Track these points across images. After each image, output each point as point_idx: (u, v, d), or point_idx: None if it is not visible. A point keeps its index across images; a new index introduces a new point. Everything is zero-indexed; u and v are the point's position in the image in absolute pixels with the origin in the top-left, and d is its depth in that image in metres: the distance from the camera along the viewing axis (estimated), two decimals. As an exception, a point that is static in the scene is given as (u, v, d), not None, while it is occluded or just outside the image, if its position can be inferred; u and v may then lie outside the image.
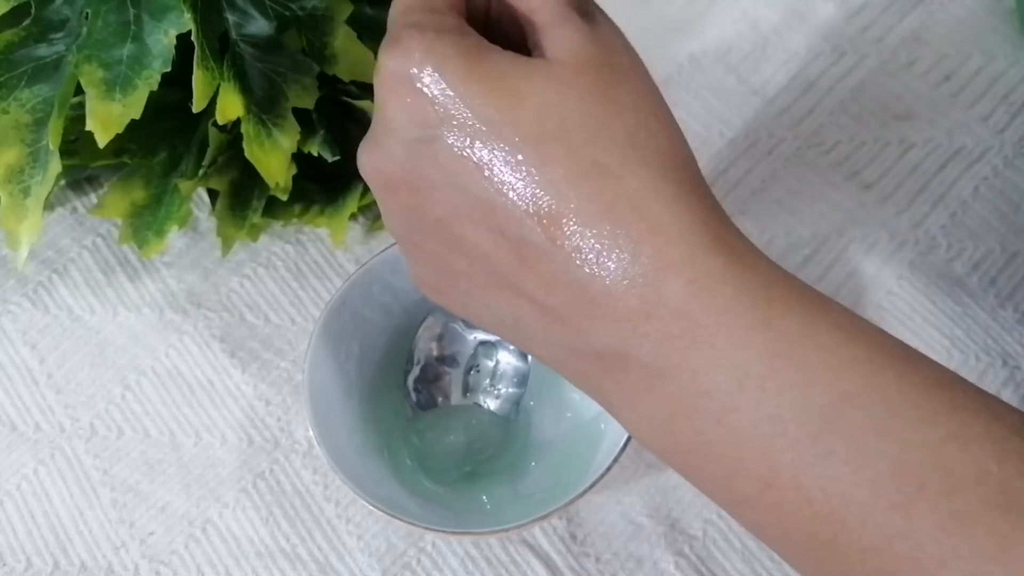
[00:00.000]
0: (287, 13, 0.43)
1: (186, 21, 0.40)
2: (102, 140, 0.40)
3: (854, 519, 0.24)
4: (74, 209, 0.51)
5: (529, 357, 0.42)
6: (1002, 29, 0.52)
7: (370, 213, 0.50)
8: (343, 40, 0.43)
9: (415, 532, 0.42)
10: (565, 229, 0.27)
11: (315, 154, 0.45)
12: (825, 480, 0.24)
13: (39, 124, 0.42)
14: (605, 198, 0.26)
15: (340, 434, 0.39)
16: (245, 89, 0.42)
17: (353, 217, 0.48)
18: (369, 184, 0.30)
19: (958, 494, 0.23)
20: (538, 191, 0.27)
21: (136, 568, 0.43)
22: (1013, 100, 0.50)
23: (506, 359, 0.43)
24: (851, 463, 0.24)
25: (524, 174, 0.27)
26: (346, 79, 0.44)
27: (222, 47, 0.42)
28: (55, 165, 0.42)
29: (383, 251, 0.42)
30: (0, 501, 0.45)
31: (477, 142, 0.27)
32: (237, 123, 0.43)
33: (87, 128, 0.40)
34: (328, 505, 0.43)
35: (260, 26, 0.42)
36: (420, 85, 0.27)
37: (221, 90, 0.41)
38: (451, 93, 0.27)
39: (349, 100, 0.46)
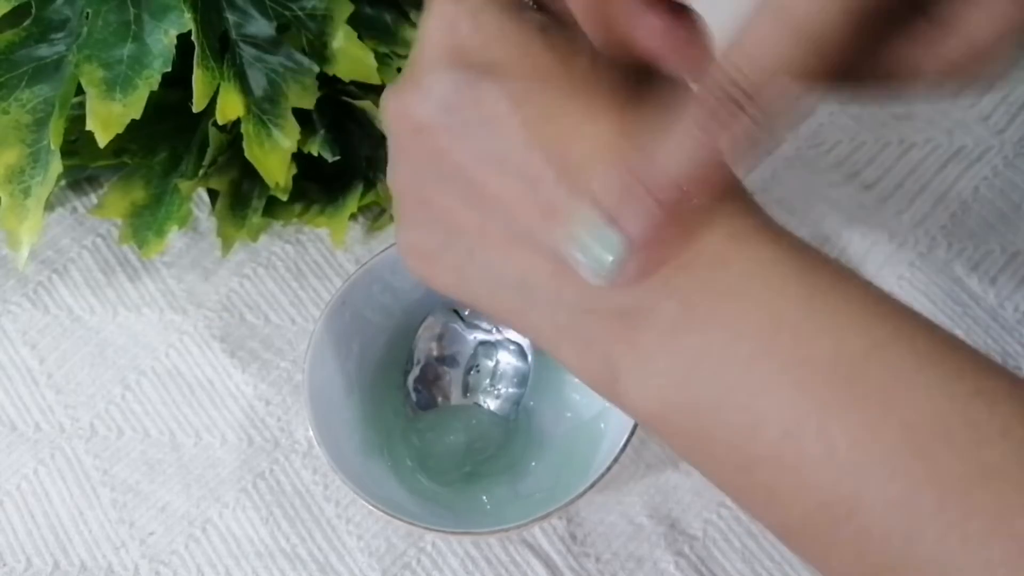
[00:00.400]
0: (287, 13, 0.43)
1: (186, 21, 0.40)
2: (102, 140, 0.40)
3: (880, 467, 0.24)
4: (74, 209, 0.51)
5: (529, 357, 0.42)
6: (1002, 29, 0.52)
7: (370, 213, 0.50)
8: (343, 40, 0.43)
9: (415, 532, 0.42)
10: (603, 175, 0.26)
11: (315, 154, 0.45)
12: (855, 427, 0.24)
13: (40, 124, 0.42)
14: (608, 156, 0.26)
15: (340, 434, 0.39)
16: (245, 89, 0.42)
17: (353, 217, 0.48)
18: (391, 129, 0.29)
19: (985, 446, 0.23)
20: (583, 144, 0.26)
21: (136, 568, 0.43)
22: (1013, 100, 0.50)
23: (506, 359, 0.43)
24: (881, 410, 0.24)
25: (571, 126, 0.26)
26: (346, 79, 0.44)
27: (222, 47, 0.42)
28: (56, 165, 0.42)
29: (383, 251, 0.42)
30: (0, 501, 0.45)
31: (527, 87, 0.27)
32: (237, 123, 0.43)
33: (87, 128, 0.40)
34: (328, 505, 0.43)
35: (260, 26, 0.42)
36: (475, 23, 0.27)
37: (221, 90, 0.41)
38: (506, 33, 0.27)
39: (349, 100, 0.46)
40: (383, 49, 0.46)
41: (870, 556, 0.25)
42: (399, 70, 0.46)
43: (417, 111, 0.28)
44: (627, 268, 0.26)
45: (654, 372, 0.27)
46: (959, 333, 0.45)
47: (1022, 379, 0.25)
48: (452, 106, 0.28)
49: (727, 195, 0.26)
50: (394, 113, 0.29)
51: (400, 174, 0.30)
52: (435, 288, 0.31)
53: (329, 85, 0.45)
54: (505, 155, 0.27)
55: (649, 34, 0.27)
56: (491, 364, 0.43)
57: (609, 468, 0.36)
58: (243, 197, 0.47)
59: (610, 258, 0.26)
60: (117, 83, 0.40)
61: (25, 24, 0.41)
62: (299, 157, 0.45)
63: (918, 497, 0.23)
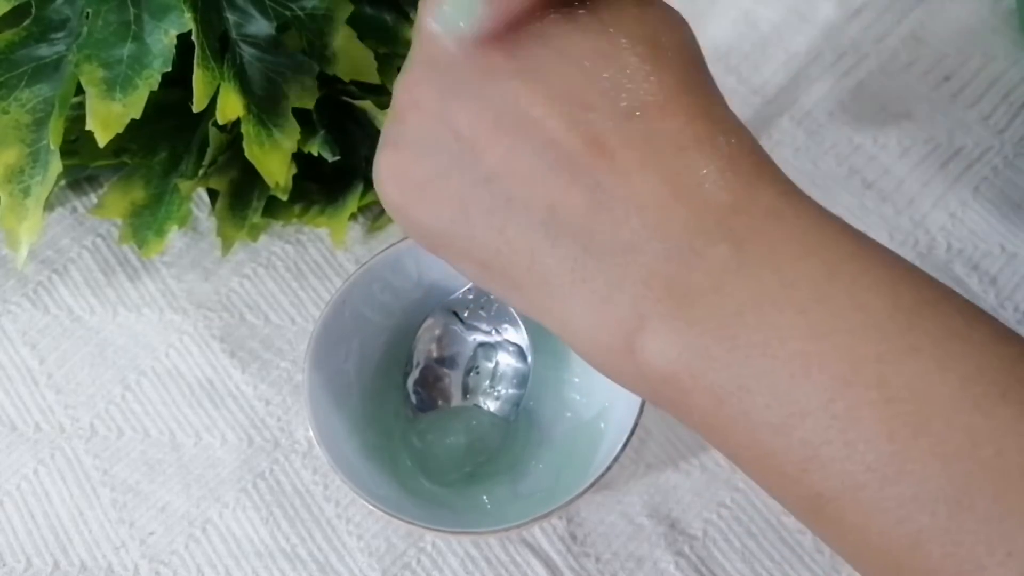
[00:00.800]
0: (287, 13, 0.43)
1: (186, 21, 0.40)
2: (102, 140, 0.40)
3: (938, 419, 0.24)
4: (74, 209, 0.51)
5: (529, 359, 0.42)
6: (1002, 29, 0.52)
7: (370, 213, 0.50)
8: (343, 40, 0.43)
9: (415, 532, 0.42)
10: (668, 121, 0.26)
11: (315, 154, 0.45)
12: (913, 376, 0.24)
13: (39, 124, 0.42)
14: (700, 106, 0.27)
15: (340, 434, 0.39)
16: (245, 89, 0.42)
17: (353, 217, 0.48)
18: (422, 39, 0.28)
19: None
20: (647, 84, 0.26)
21: (136, 568, 0.43)
22: (1013, 100, 0.50)
23: (506, 360, 0.43)
24: (938, 360, 0.24)
25: (637, 66, 0.26)
26: (346, 79, 0.44)
27: (222, 47, 0.42)
28: (55, 165, 0.42)
29: (383, 251, 0.42)
30: (0, 501, 0.45)
31: (603, 29, 0.27)
32: (237, 123, 0.43)
33: (87, 128, 0.40)
34: (328, 505, 0.43)
35: (260, 26, 0.42)
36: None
37: (221, 90, 0.41)
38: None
39: (349, 100, 0.46)
40: (383, 49, 0.46)
41: (909, 524, 0.24)
42: (399, 70, 0.46)
43: (450, 28, 0.27)
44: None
45: (689, 321, 0.25)
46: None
47: None
48: (524, 38, 0.27)
49: (771, 164, 0.27)
50: (405, 81, 0.28)
51: (420, 82, 0.28)
52: (413, 224, 0.29)
53: (329, 85, 0.45)
54: (569, 90, 0.26)
55: None
56: (491, 366, 0.43)
57: (609, 468, 0.36)
58: (243, 197, 0.47)
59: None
60: (117, 83, 0.40)
61: (25, 24, 0.41)
62: (299, 157, 0.45)
63: (978, 450, 0.23)
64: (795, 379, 0.25)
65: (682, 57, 0.27)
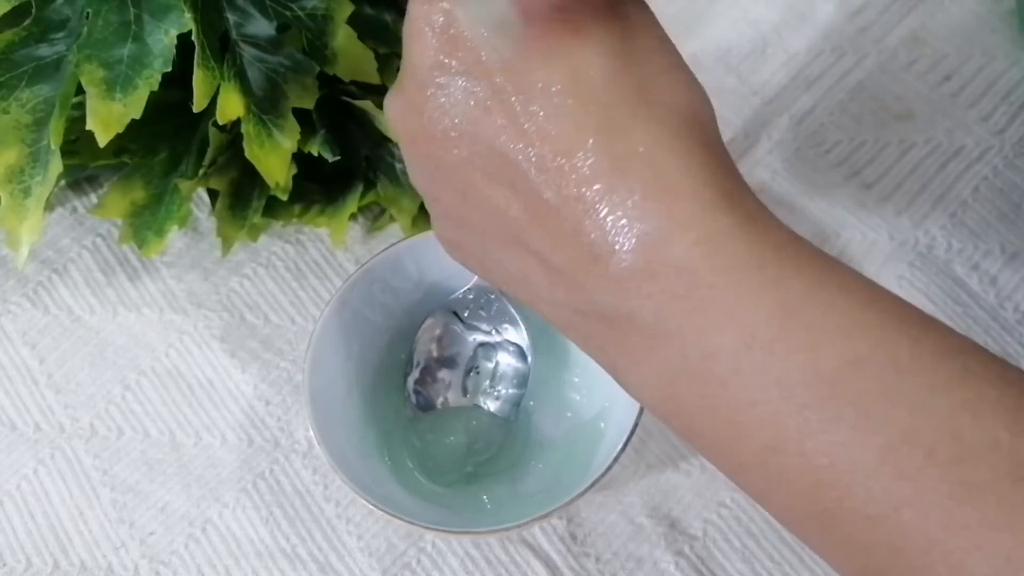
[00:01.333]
0: (287, 13, 0.43)
1: (186, 21, 0.40)
2: (102, 140, 0.40)
3: (860, 486, 0.24)
4: (74, 209, 0.51)
5: (529, 358, 0.42)
6: (1002, 29, 0.52)
7: (370, 213, 0.50)
8: (343, 40, 0.43)
9: (415, 532, 0.42)
10: (571, 183, 0.26)
11: (315, 154, 0.45)
12: (831, 446, 0.24)
13: (40, 124, 0.42)
14: (613, 153, 0.26)
15: (340, 434, 0.39)
16: (245, 89, 0.42)
17: (353, 217, 0.48)
18: (394, 132, 0.30)
19: (968, 463, 0.23)
20: (546, 144, 0.26)
21: (136, 568, 0.43)
22: (1013, 100, 0.50)
23: (506, 360, 0.43)
24: (859, 429, 0.24)
25: (534, 126, 0.26)
26: (346, 79, 0.44)
27: (222, 47, 0.42)
28: (56, 165, 0.42)
29: (383, 251, 0.42)
30: (0, 501, 0.45)
31: (490, 90, 0.27)
32: (237, 123, 0.43)
33: (87, 128, 0.40)
34: (328, 505, 0.43)
35: (260, 26, 0.42)
36: (439, 28, 0.27)
37: (221, 90, 0.41)
38: (467, 39, 0.27)
39: (349, 100, 0.46)
40: (383, 49, 0.46)
41: (855, 564, 0.25)
42: (399, 70, 0.46)
43: (407, 116, 0.29)
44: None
45: (644, 378, 0.27)
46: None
47: (1017, 380, 0.24)
48: (432, 113, 0.28)
49: (700, 186, 0.26)
50: (391, 117, 0.30)
51: (412, 174, 0.31)
52: (473, 265, 0.32)
53: (329, 85, 0.45)
54: (485, 159, 0.28)
55: None
56: (491, 366, 0.43)
57: (609, 468, 0.36)
58: (243, 197, 0.47)
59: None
60: (117, 83, 0.40)
61: (25, 24, 0.41)
62: (299, 157, 0.45)
63: (898, 515, 0.23)
64: (726, 445, 0.26)
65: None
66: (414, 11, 0.28)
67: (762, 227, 0.26)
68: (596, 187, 0.26)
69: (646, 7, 0.28)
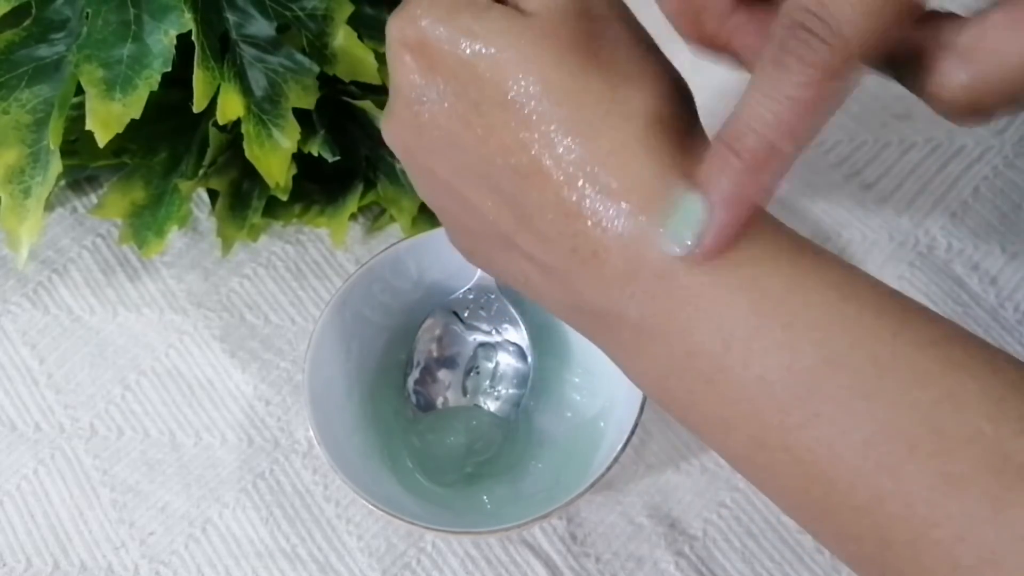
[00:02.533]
0: (287, 13, 0.43)
1: (186, 21, 0.40)
2: (102, 140, 0.40)
3: (843, 480, 0.24)
4: (74, 209, 0.51)
5: (529, 358, 0.42)
6: (1002, 29, 0.52)
7: (370, 213, 0.50)
8: (343, 40, 0.43)
9: (415, 532, 0.42)
10: (552, 187, 0.27)
11: (315, 154, 0.45)
12: (813, 442, 0.24)
13: (39, 124, 0.42)
14: (584, 157, 0.26)
15: (340, 434, 0.39)
16: (245, 89, 0.42)
17: (353, 217, 0.48)
18: (394, 151, 0.31)
19: (950, 455, 0.23)
20: (523, 149, 0.27)
21: (136, 568, 0.43)
22: (1013, 100, 0.50)
23: (506, 360, 0.43)
24: (839, 425, 0.24)
25: (509, 132, 0.27)
26: (346, 79, 0.44)
27: (222, 47, 0.42)
28: (56, 165, 0.42)
29: (383, 251, 0.42)
30: (0, 501, 0.45)
31: (467, 101, 0.28)
32: (237, 123, 0.43)
33: (87, 128, 0.40)
34: (328, 505, 0.43)
35: (260, 26, 0.42)
36: (416, 47, 0.28)
37: (221, 90, 0.41)
38: (443, 54, 0.28)
39: (349, 100, 0.46)
40: (383, 49, 0.45)
41: (847, 550, 0.25)
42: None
43: (399, 135, 0.30)
44: (707, 237, 0.25)
45: (638, 372, 0.28)
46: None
47: (1002, 367, 0.24)
48: (419, 129, 0.29)
49: (673, 184, 0.26)
50: (386, 137, 0.31)
51: (417, 188, 0.32)
52: (482, 264, 0.33)
53: (329, 85, 0.45)
54: (471, 169, 0.28)
55: (740, 31, 0.28)
56: (491, 366, 0.43)
57: (609, 468, 0.36)
58: (243, 197, 0.47)
59: (690, 231, 0.26)
60: (117, 83, 0.40)
61: (25, 24, 0.41)
62: (299, 157, 0.45)
63: (883, 507, 0.24)
64: (718, 438, 0.27)
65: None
66: (391, 31, 0.29)
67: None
68: (572, 192, 0.26)
69: (616, 10, 0.29)
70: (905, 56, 0.26)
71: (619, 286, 0.27)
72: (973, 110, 0.25)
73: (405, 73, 0.29)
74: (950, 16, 0.26)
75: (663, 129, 0.27)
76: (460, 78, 0.28)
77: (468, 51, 0.27)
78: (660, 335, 0.26)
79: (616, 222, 0.26)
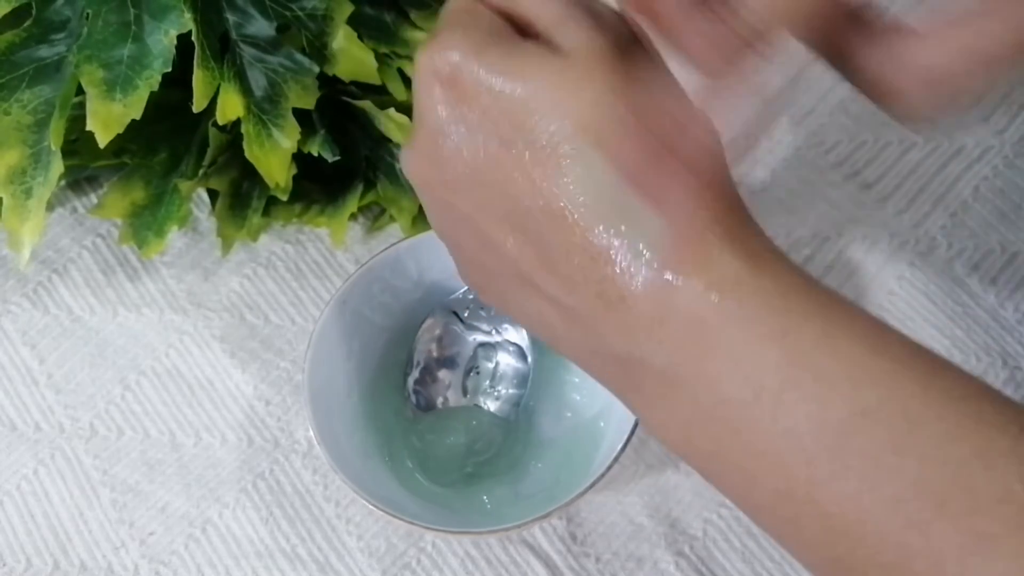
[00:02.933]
0: (287, 13, 0.43)
1: (186, 21, 0.40)
2: (103, 140, 0.40)
3: (871, 536, 0.24)
4: (74, 209, 0.51)
5: (529, 358, 0.42)
6: (1002, 29, 0.52)
7: (370, 213, 0.50)
8: (343, 40, 0.43)
9: (415, 532, 0.42)
10: (581, 230, 0.26)
11: (315, 154, 0.45)
12: (842, 497, 0.24)
13: (40, 125, 0.42)
14: (619, 200, 0.26)
15: (340, 434, 0.39)
16: (245, 89, 0.42)
17: (353, 217, 0.48)
18: (411, 182, 0.31)
19: (980, 514, 0.23)
20: (554, 191, 0.26)
21: (136, 568, 0.43)
22: (1013, 100, 0.50)
23: (506, 360, 0.43)
24: (868, 480, 0.24)
25: (541, 173, 0.27)
26: (346, 79, 0.44)
27: (222, 47, 0.42)
28: (57, 166, 0.42)
29: (383, 251, 0.42)
30: (0, 501, 0.45)
31: (497, 139, 0.27)
32: (237, 123, 0.43)
33: (88, 128, 0.40)
34: (328, 505, 0.43)
35: (260, 26, 0.42)
36: (447, 80, 0.28)
37: (221, 90, 0.41)
38: (474, 89, 0.27)
39: (349, 100, 0.46)
40: (383, 49, 0.46)
41: None
42: (399, 70, 0.46)
43: (420, 165, 0.30)
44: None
45: (659, 421, 0.28)
46: (959, 333, 0.45)
47: None
48: (443, 162, 0.29)
49: (707, 229, 0.26)
50: (406, 167, 0.31)
51: (431, 220, 0.32)
52: (495, 302, 0.32)
53: (329, 85, 0.45)
54: (496, 206, 0.28)
55: (694, 34, 0.27)
56: (491, 366, 0.43)
57: (609, 468, 0.36)
58: (243, 197, 0.47)
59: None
60: (117, 83, 0.40)
61: (25, 25, 0.41)
62: (299, 157, 0.45)
63: (911, 565, 0.23)
64: (741, 489, 0.27)
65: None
66: (421, 62, 0.28)
67: (769, 271, 0.26)
68: (603, 234, 0.26)
69: (651, 53, 0.28)
70: (848, 57, 0.27)
71: (646, 332, 0.26)
72: (912, 113, 0.26)
73: (432, 104, 0.28)
74: (889, 23, 0.27)
75: (695, 172, 0.27)
76: (491, 115, 0.27)
77: (501, 88, 0.27)
78: (687, 383, 0.26)
79: (648, 268, 0.26)
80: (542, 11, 0.28)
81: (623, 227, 0.26)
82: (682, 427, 0.27)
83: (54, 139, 0.41)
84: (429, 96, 0.28)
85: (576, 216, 0.26)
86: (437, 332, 0.43)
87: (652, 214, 0.26)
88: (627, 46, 0.28)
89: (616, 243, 0.26)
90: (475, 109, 0.27)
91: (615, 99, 0.26)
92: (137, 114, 0.40)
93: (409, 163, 0.30)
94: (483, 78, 0.27)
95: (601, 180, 0.26)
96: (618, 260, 0.26)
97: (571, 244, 0.27)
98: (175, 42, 0.40)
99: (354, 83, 0.45)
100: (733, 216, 0.27)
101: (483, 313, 0.43)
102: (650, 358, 0.26)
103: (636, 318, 0.26)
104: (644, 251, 0.26)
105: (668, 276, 0.26)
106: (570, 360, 0.30)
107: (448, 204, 0.30)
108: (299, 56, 0.43)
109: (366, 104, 0.45)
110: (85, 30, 0.41)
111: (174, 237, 0.50)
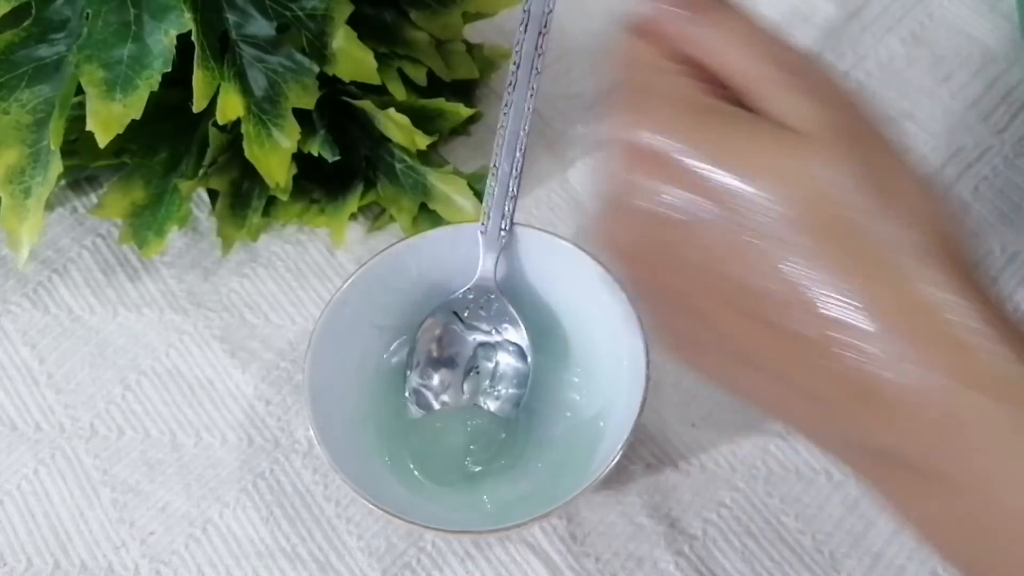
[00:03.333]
0: (287, 13, 0.43)
1: (186, 21, 0.40)
2: (102, 140, 0.40)
3: None
4: (74, 209, 0.51)
5: (529, 358, 0.42)
6: (1002, 29, 0.52)
7: (370, 213, 0.50)
8: (343, 40, 0.43)
9: (415, 532, 0.42)
10: (846, 327, 0.24)
11: (315, 154, 0.45)
12: None
13: (40, 124, 0.42)
14: (868, 289, 0.24)
15: (340, 434, 0.39)
16: (245, 89, 0.42)
17: (353, 217, 0.48)
18: (611, 251, 0.29)
19: None
20: (812, 285, 0.24)
21: (136, 568, 0.43)
22: (1013, 100, 0.50)
23: (506, 360, 0.43)
24: None
25: (797, 264, 0.25)
26: (346, 79, 0.44)
27: (222, 47, 0.42)
28: (56, 165, 0.42)
29: (383, 251, 0.42)
30: (0, 501, 0.45)
31: (740, 225, 0.25)
32: (237, 123, 0.43)
33: (87, 128, 0.40)
34: (328, 505, 0.43)
35: (260, 26, 0.42)
36: (656, 163, 0.26)
37: (221, 90, 0.41)
38: (707, 170, 0.25)
39: (349, 100, 0.46)
40: (383, 49, 0.46)
41: None
42: (399, 70, 0.46)
43: (628, 241, 0.28)
44: None
45: (921, 516, 0.26)
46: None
47: None
48: (663, 243, 0.27)
49: (979, 331, 0.24)
50: (609, 240, 0.28)
51: (633, 284, 0.29)
52: (705, 375, 0.30)
53: (329, 85, 0.45)
54: (730, 292, 0.26)
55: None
56: (491, 366, 0.43)
57: (609, 468, 0.36)
58: (243, 197, 0.47)
59: None
60: (117, 83, 0.40)
61: (25, 24, 0.42)
62: (299, 157, 0.45)
63: None
64: None
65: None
66: (614, 137, 0.27)
67: (1012, 350, 0.24)
68: (873, 333, 0.24)
69: (879, 128, 0.27)
70: None
71: (917, 432, 0.24)
72: None
73: (647, 182, 0.26)
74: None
75: (949, 261, 0.25)
76: (707, 191, 0.25)
77: (725, 178, 0.25)
78: (968, 489, 0.24)
79: (925, 371, 0.24)
80: (751, 70, 0.26)
81: (896, 329, 0.24)
82: (949, 527, 0.25)
83: (53, 139, 0.41)
84: (638, 171, 0.26)
85: (839, 314, 0.24)
86: (437, 332, 0.43)
87: (920, 316, 0.24)
88: (855, 118, 0.26)
89: (888, 343, 0.24)
90: (711, 196, 0.25)
91: (860, 184, 0.25)
92: (137, 114, 0.40)
93: (610, 233, 0.28)
94: (701, 164, 0.25)
95: (853, 275, 0.24)
96: (890, 360, 0.24)
97: (833, 341, 0.24)
98: (175, 42, 0.40)
99: (354, 83, 0.45)
100: (986, 304, 0.25)
101: (483, 313, 0.43)
102: (917, 458, 0.24)
103: (905, 418, 0.24)
104: (918, 352, 0.24)
105: (950, 382, 0.24)
106: (805, 436, 0.28)
107: (659, 279, 0.28)
108: (299, 56, 0.43)
109: (366, 104, 0.45)
110: (85, 30, 0.41)
111: (174, 237, 0.50)
